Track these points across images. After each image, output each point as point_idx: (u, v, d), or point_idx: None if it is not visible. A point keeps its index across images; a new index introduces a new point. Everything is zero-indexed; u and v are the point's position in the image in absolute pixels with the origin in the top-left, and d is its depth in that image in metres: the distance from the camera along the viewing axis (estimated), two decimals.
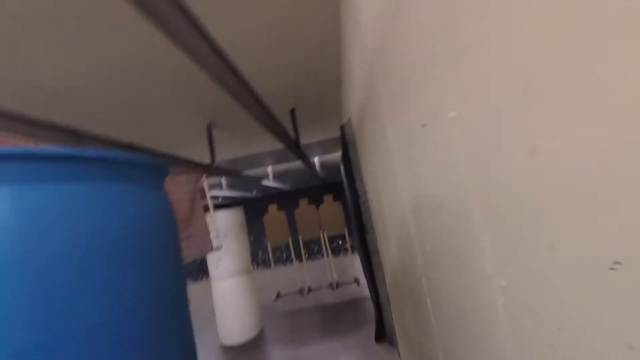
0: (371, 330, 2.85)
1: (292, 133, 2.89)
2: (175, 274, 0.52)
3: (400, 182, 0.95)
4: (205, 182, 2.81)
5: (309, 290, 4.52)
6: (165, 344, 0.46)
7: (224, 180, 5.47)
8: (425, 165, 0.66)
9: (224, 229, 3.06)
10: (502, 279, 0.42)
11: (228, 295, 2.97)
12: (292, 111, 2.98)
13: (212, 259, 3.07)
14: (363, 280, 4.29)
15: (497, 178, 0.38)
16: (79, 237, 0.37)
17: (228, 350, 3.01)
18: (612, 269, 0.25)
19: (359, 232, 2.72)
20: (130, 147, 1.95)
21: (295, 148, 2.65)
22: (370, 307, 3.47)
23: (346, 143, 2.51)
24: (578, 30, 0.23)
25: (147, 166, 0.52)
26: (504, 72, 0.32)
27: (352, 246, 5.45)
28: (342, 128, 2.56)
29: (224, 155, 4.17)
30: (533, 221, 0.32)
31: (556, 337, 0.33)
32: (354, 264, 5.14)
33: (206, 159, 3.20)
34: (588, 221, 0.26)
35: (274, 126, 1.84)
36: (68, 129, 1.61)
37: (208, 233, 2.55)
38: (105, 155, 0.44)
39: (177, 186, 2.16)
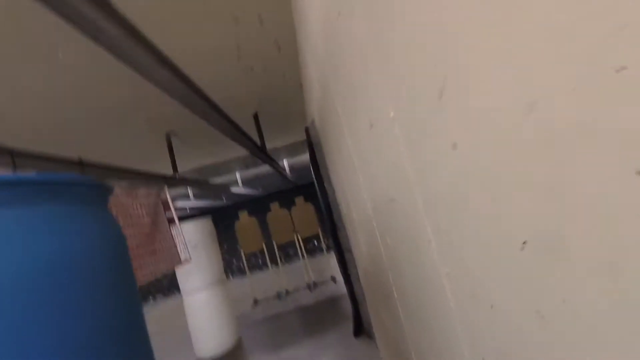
0: (350, 325, 2.89)
1: (257, 139, 2.85)
2: (126, 295, 0.49)
3: (360, 180, 0.98)
4: (167, 194, 2.69)
5: (287, 293, 4.49)
6: None
7: (190, 191, 5.27)
8: (377, 163, 0.69)
9: (193, 240, 2.95)
10: (446, 266, 0.46)
11: (201, 307, 2.87)
12: (255, 116, 2.94)
13: (181, 273, 2.95)
14: (340, 278, 4.34)
15: (432, 171, 0.41)
16: (16, 263, 0.34)
17: None
18: (522, 249, 0.28)
19: (332, 231, 2.75)
20: (81, 164, 1.82)
21: (260, 153, 2.62)
22: (347, 303, 3.52)
23: (312, 145, 2.52)
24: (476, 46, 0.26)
25: (87, 186, 0.49)
26: (422, 78, 0.35)
27: (327, 245, 5.49)
28: (307, 130, 2.58)
29: (188, 165, 4.01)
30: (461, 209, 0.35)
31: (490, 315, 0.36)
32: (330, 262, 5.18)
33: (169, 171, 3.06)
34: (499, 207, 0.29)
35: (236, 133, 1.80)
36: (4, 149, 1.46)
37: (175, 246, 2.44)
38: (39, 178, 0.41)
39: (136, 200, 2.04)
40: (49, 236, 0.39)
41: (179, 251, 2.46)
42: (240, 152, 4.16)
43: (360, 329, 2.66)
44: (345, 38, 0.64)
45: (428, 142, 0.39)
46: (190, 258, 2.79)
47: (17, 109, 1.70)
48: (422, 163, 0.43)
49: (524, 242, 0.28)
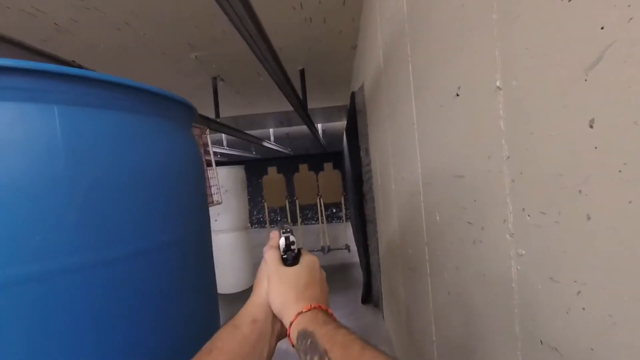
0: (358, 293, 3.01)
1: (300, 95, 2.81)
2: (202, 213, 0.53)
3: (417, 152, 0.96)
4: (208, 136, 2.78)
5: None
6: (191, 276, 0.49)
7: (224, 138, 5.40)
8: (451, 136, 0.66)
9: (225, 185, 3.08)
10: (520, 248, 0.45)
11: (224, 248, 3.08)
12: (302, 72, 2.88)
13: (210, 213, 3.14)
14: (354, 248, 4.44)
15: (544, 149, 0.38)
16: (122, 165, 0.37)
17: (222, 297, 3.18)
18: None
19: (357, 202, 2.77)
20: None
21: (302, 110, 2.60)
22: (358, 272, 3.64)
23: (355, 111, 2.46)
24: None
25: (182, 105, 0.51)
26: (567, 45, 0.31)
27: (346, 215, 5.58)
28: (353, 95, 2.50)
29: (226, 112, 4.08)
30: (572, 193, 0.33)
31: (572, 300, 0.35)
32: (347, 231, 5.29)
33: (210, 113, 3.13)
34: (631, 198, 0.27)
35: (286, 86, 1.78)
36: (72, 64, 1.54)
37: (209, 187, 2.57)
38: (149, 88, 0.43)
39: None
40: (153, 143, 0.42)
41: (212, 192, 2.60)
42: (277, 107, 4.15)
43: (369, 297, 2.76)
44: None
45: (550, 117, 0.36)
46: (222, 201, 2.95)
47: (76, 22, 1.75)
48: (529, 141, 0.40)
49: None
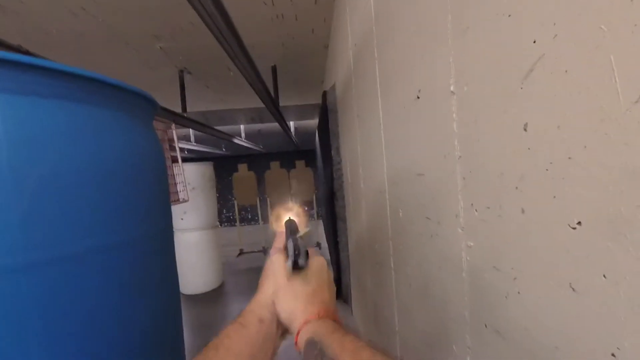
0: None
1: (272, 91, 2.78)
2: (163, 211, 0.51)
3: (383, 152, 0.99)
4: (175, 131, 2.67)
5: None
6: (151, 276, 0.47)
7: (192, 134, 5.20)
8: (411, 137, 0.70)
9: (192, 182, 2.98)
10: (470, 240, 0.49)
11: (191, 247, 2.97)
12: (274, 68, 2.85)
13: (176, 211, 3.01)
14: (324, 245, 4.49)
15: (489, 150, 0.42)
16: (73, 159, 0.35)
17: (188, 298, 3.07)
18: (574, 228, 0.30)
19: (328, 200, 2.80)
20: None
21: (274, 108, 2.58)
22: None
23: (327, 110, 2.48)
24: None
25: (141, 98, 0.48)
26: (509, 56, 0.35)
27: (317, 213, 5.61)
28: (325, 94, 2.52)
29: (194, 107, 3.93)
30: (512, 188, 0.37)
31: (510, 286, 0.39)
32: (318, 229, 5.33)
33: (177, 108, 3.00)
34: (558, 190, 0.30)
35: (256, 82, 1.76)
36: (17, 48, 1.41)
37: (174, 184, 2.47)
38: (104, 79, 0.40)
39: None
40: (108, 136, 0.40)
41: (178, 190, 2.50)
42: (248, 104, 4.07)
43: (339, 292, 2.81)
44: (410, 2, 0.62)
45: (493, 121, 0.39)
46: (188, 199, 2.84)
47: (22, 2, 1.60)
48: (476, 140, 0.44)
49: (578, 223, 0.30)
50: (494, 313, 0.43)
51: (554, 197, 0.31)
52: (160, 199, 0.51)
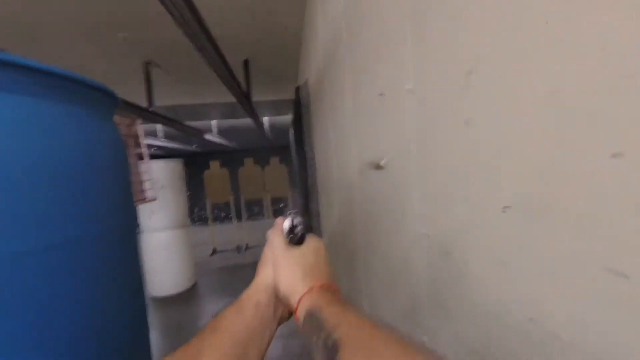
0: None
1: (244, 86, 2.73)
2: (125, 208, 0.50)
3: (352, 146, 1.02)
4: (140, 127, 2.55)
5: (247, 247, 4.59)
6: (111, 274, 0.46)
7: (160, 129, 4.99)
8: (376, 131, 0.73)
9: (161, 180, 2.86)
10: (425, 228, 0.52)
11: (160, 247, 2.87)
12: (246, 62, 2.80)
13: (144, 210, 2.89)
14: None
15: (437, 144, 0.45)
16: (20, 154, 0.34)
17: (159, 300, 2.97)
18: (503, 211, 0.34)
19: (303, 196, 2.81)
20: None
21: (245, 102, 2.53)
22: None
23: (300, 105, 2.48)
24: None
25: (99, 92, 0.46)
26: (453, 57, 0.38)
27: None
28: (298, 89, 2.52)
29: (162, 101, 3.76)
30: (454, 178, 0.40)
31: (461, 273, 0.43)
32: None
33: (142, 102, 2.86)
34: (492, 177, 0.34)
35: (226, 75, 1.72)
36: None
37: (140, 182, 2.37)
38: (57, 71, 0.38)
39: None
40: (63, 130, 0.38)
41: (145, 188, 2.40)
42: (220, 98, 3.97)
43: None
44: (373, 3, 0.64)
45: (442, 116, 0.42)
46: (156, 197, 2.73)
47: None
48: (429, 135, 0.47)
49: (506, 206, 0.33)
50: (448, 294, 0.46)
51: (491, 186, 0.34)
52: (121, 196, 0.49)
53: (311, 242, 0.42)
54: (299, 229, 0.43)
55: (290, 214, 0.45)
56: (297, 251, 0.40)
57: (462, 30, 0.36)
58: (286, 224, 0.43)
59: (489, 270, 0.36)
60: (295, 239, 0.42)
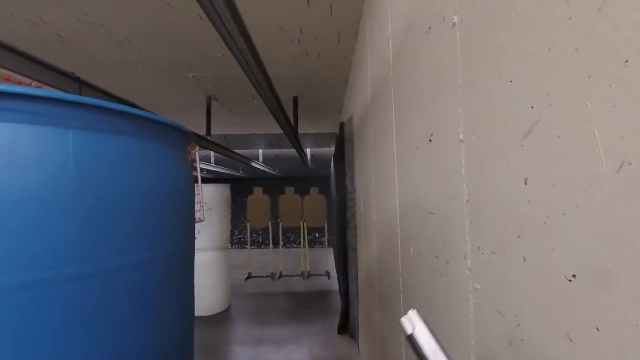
0: (335, 321, 2.96)
1: (292, 120, 2.91)
2: (189, 232, 0.56)
3: (396, 187, 1.02)
4: (197, 153, 2.80)
5: (281, 275, 4.60)
6: (174, 293, 0.51)
7: (212, 154, 5.41)
8: (423, 176, 0.73)
9: (209, 202, 3.06)
10: (477, 282, 0.50)
11: (202, 267, 3.00)
12: (295, 99, 3.00)
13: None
14: (334, 274, 4.40)
15: (491, 198, 0.45)
16: (120, 184, 0.41)
17: (197, 320, 3.05)
18: (570, 280, 0.32)
19: (340, 228, 2.80)
20: (79, 81, 1.83)
21: (292, 135, 2.68)
22: (336, 300, 3.59)
23: (343, 140, 2.56)
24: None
25: (179, 131, 0.55)
26: (512, 111, 0.39)
27: (328, 241, 5.56)
28: (342, 125, 2.61)
29: (217, 129, 4.13)
30: (513, 236, 0.39)
31: (512, 329, 0.40)
32: (328, 258, 5.26)
33: (201, 130, 3.17)
34: (554, 241, 0.33)
35: (278, 111, 1.86)
36: (71, 75, 1.57)
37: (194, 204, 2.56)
38: (151, 116, 0.47)
39: None
40: (152, 166, 0.46)
41: (196, 209, 2.58)
42: (269, 130, 4.24)
43: (345, 326, 2.72)
44: (426, 51, 0.68)
45: (498, 171, 0.42)
46: (204, 219, 2.91)
47: (78, 34, 1.80)
48: (484, 189, 0.47)
49: (573, 275, 0.32)
50: (499, 355, 0.43)
51: (552, 249, 0.33)
52: (189, 220, 0.55)
53: None
54: None
55: None
56: None
57: (519, 85, 0.37)
58: None
59: (550, 341, 0.33)
60: None
